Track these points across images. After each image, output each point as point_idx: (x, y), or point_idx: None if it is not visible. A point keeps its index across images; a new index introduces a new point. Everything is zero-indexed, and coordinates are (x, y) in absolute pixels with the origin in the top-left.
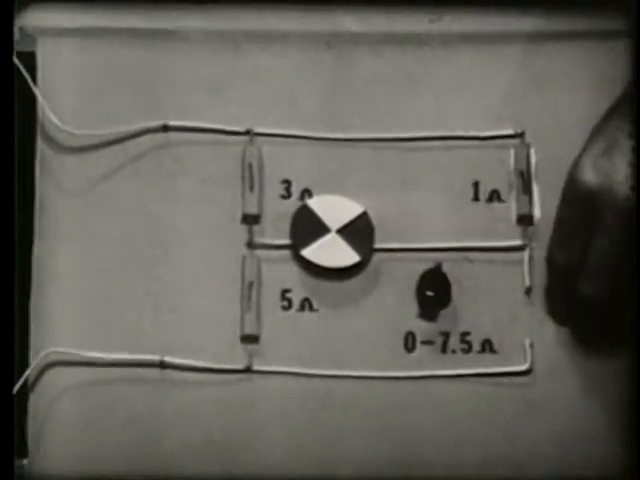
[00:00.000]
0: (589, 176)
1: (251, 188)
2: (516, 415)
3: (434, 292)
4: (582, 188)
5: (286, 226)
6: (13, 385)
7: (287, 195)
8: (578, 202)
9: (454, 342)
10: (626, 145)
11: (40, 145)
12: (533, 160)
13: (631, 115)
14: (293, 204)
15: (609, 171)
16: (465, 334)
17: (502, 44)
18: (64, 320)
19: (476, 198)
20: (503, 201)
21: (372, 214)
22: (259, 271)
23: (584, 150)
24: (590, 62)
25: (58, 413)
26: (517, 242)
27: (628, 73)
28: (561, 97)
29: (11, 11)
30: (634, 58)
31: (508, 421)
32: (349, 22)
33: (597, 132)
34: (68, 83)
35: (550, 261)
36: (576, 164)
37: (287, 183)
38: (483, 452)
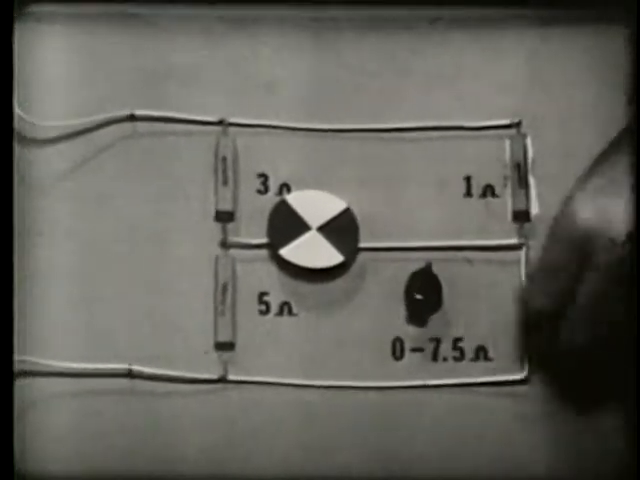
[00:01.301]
0: (586, 214)
1: (225, 183)
2: (511, 428)
3: (424, 295)
4: (577, 226)
5: (263, 224)
6: None
7: (264, 190)
8: (571, 242)
9: (446, 349)
10: (626, 183)
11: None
12: (530, 152)
13: (631, 153)
14: (270, 200)
15: (608, 211)
16: (457, 340)
17: (497, 30)
18: (25, 326)
19: (469, 193)
20: (498, 196)
21: (356, 210)
22: (234, 272)
23: (579, 186)
24: (589, 49)
25: (18, 427)
26: (513, 240)
27: (628, 62)
28: (559, 85)
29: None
30: (634, 58)
31: (503, 434)
32: (333, 5)
33: (595, 168)
34: (29, 71)
35: (531, 307)
36: (570, 200)
37: (264, 177)
38: (475, 467)
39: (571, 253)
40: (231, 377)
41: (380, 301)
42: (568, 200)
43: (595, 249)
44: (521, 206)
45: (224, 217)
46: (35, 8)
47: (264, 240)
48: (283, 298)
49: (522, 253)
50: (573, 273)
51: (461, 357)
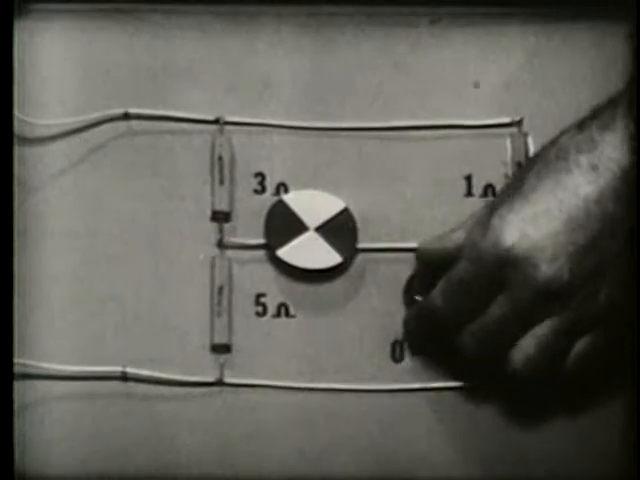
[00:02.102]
0: (513, 242)
1: (221, 182)
2: (514, 430)
3: (424, 296)
4: (502, 253)
5: (260, 224)
6: None
7: (261, 190)
8: (492, 264)
9: None
10: (558, 216)
11: None
12: (531, 150)
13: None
14: (267, 200)
15: (537, 243)
16: None
17: (497, 26)
18: (20, 328)
19: (469, 193)
20: None
21: (354, 210)
22: (230, 274)
23: (509, 208)
24: (590, 48)
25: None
26: None
27: (630, 59)
28: (560, 82)
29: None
30: (634, 57)
31: (505, 436)
32: (330, 1)
33: (527, 191)
34: (24, 70)
35: (431, 309)
36: (499, 218)
37: (261, 176)
38: (479, 471)
39: (486, 271)
40: (228, 380)
41: (379, 302)
42: (495, 216)
43: (512, 276)
44: None
45: (220, 217)
46: (32, 6)
47: (261, 241)
48: (280, 299)
49: None
50: (484, 290)
51: None
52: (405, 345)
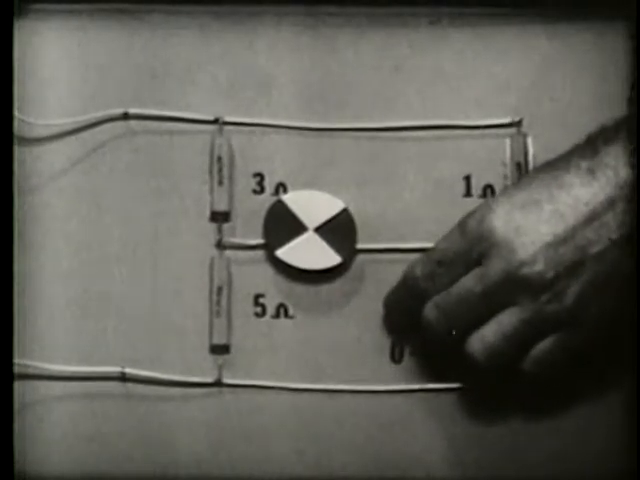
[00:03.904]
0: (498, 223)
1: (220, 182)
2: (516, 430)
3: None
4: (485, 230)
5: (259, 224)
6: None
7: (260, 190)
8: (473, 240)
9: None
10: (546, 208)
11: None
12: (531, 151)
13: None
14: (266, 200)
15: (519, 228)
16: None
17: (497, 26)
18: (19, 328)
19: (468, 193)
20: None
21: (354, 211)
22: (229, 274)
23: (504, 194)
24: (590, 48)
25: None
26: None
27: (629, 61)
28: (560, 83)
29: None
30: (634, 57)
31: (506, 437)
32: (330, 1)
33: (525, 183)
34: (23, 70)
35: (412, 278)
36: (489, 205)
37: (260, 177)
38: (477, 472)
39: (469, 248)
40: (226, 380)
41: (378, 303)
42: (487, 203)
43: (491, 256)
44: None
45: (219, 217)
46: (32, 6)
47: (260, 241)
48: (279, 300)
49: None
50: (462, 265)
51: None
52: (404, 345)
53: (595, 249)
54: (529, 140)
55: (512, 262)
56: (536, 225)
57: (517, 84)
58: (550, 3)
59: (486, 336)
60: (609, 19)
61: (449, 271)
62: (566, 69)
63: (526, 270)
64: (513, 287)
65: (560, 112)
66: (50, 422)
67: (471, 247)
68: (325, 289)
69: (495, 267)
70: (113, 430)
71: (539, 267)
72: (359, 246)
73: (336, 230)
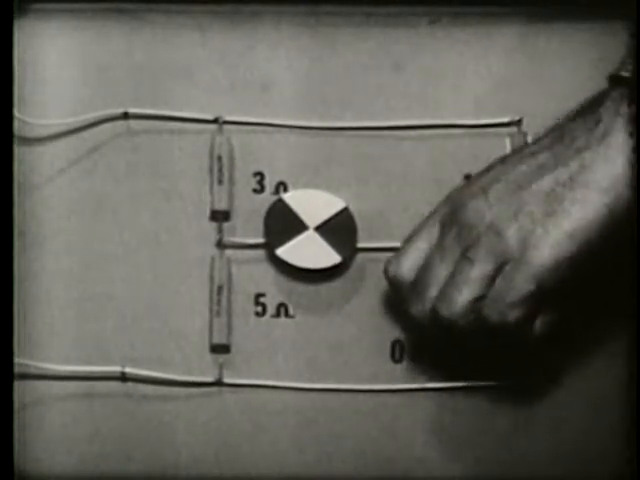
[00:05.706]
0: (484, 207)
1: (220, 182)
2: (515, 430)
3: None
4: (471, 215)
5: (259, 223)
6: None
7: (260, 189)
8: (462, 226)
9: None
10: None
11: None
12: None
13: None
14: (267, 199)
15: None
16: None
17: (497, 26)
18: (19, 328)
19: None
20: None
21: (354, 210)
22: (229, 273)
23: (495, 179)
24: (590, 47)
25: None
26: None
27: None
28: (560, 81)
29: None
30: (634, 56)
31: (505, 437)
32: (329, 1)
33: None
34: (23, 70)
35: (394, 276)
36: (479, 189)
37: (260, 176)
38: (477, 472)
39: (457, 230)
40: (227, 380)
41: (378, 302)
42: (476, 188)
43: (479, 242)
44: None
45: (220, 217)
46: (32, 6)
47: (260, 240)
48: (280, 299)
49: None
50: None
51: None
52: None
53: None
54: (529, 139)
55: (485, 218)
56: (511, 194)
57: (517, 84)
58: (550, 3)
59: (451, 295)
60: (609, 19)
61: (428, 225)
62: (566, 69)
63: (497, 226)
64: (484, 239)
65: (560, 111)
66: (50, 422)
67: (457, 235)
68: (325, 288)
69: (469, 223)
70: (113, 430)
71: (507, 222)
72: (359, 245)
73: (336, 229)
